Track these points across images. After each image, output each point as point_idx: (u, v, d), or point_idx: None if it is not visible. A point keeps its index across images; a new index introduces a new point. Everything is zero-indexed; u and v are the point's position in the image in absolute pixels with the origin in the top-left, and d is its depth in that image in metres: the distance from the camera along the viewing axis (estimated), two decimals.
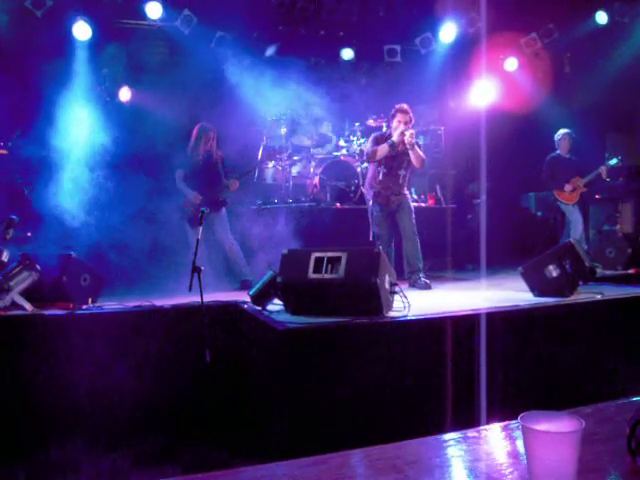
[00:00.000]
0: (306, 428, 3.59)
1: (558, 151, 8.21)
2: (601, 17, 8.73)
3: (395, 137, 6.17)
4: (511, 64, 9.62)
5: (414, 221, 6.33)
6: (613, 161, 7.90)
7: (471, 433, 1.52)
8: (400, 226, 6.36)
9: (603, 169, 7.89)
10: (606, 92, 8.26)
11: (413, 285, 6.16)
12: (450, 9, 8.60)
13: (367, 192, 6.64)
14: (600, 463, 1.29)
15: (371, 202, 6.47)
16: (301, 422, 3.63)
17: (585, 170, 8.01)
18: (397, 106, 6.31)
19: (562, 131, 8.18)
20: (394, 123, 6.28)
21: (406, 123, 6.22)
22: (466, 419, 3.60)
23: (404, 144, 6.21)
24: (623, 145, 9.15)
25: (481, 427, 1.56)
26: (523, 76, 9.51)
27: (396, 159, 6.32)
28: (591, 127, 8.48)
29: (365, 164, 8.38)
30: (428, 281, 6.16)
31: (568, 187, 7.97)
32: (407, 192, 6.49)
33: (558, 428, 1.10)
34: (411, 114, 6.31)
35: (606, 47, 8.65)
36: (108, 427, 4.32)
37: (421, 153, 6.23)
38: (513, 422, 1.33)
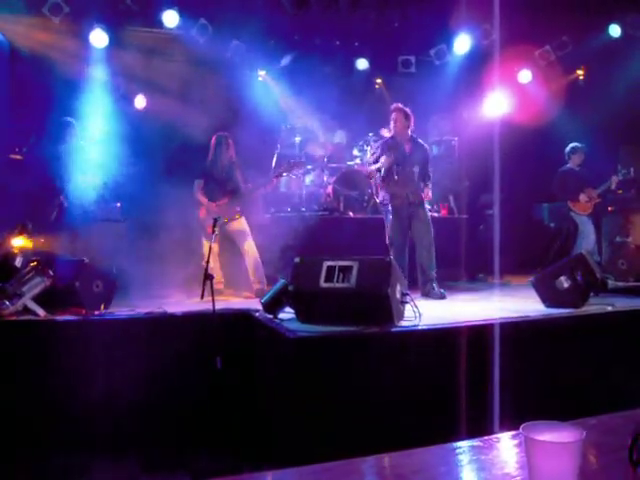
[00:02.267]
0: (316, 436, 3.60)
1: (569, 164, 8.21)
2: (614, 30, 8.71)
3: (386, 133, 6.65)
4: (525, 76, 9.60)
5: (432, 230, 6.39)
6: (622, 173, 7.95)
7: (477, 442, 1.53)
8: (416, 235, 6.40)
9: (614, 179, 7.92)
10: (620, 104, 8.24)
11: (427, 294, 6.17)
12: (464, 21, 8.61)
13: (383, 196, 6.62)
14: (603, 474, 1.30)
15: (389, 207, 6.47)
16: (311, 430, 3.64)
17: (596, 182, 8.03)
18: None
19: (574, 145, 8.19)
20: (391, 124, 6.55)
21: (396, 121, 6.43)
22: (478, 429, 3.59)
23: (408, 143, 6.44)
24: (636, 157, 9.11)
25: (486, 436, 1.57)
26: (537, 88, 9.50)
27: (407, 157, 6.42)
28: (604, 139, 8.45)
29: (379, 173, 8.40)
30: (443, 290, 6.21)
31: (583, 197, 7.97)
32: (424, 199, 6.50)
33: (559, 438, 1.12)
34: (406, 110, 6.46)
35: (620, 60, 8.63)
36: (118, 433, 4.34)
37: None
38: (518, 432, 1.34)
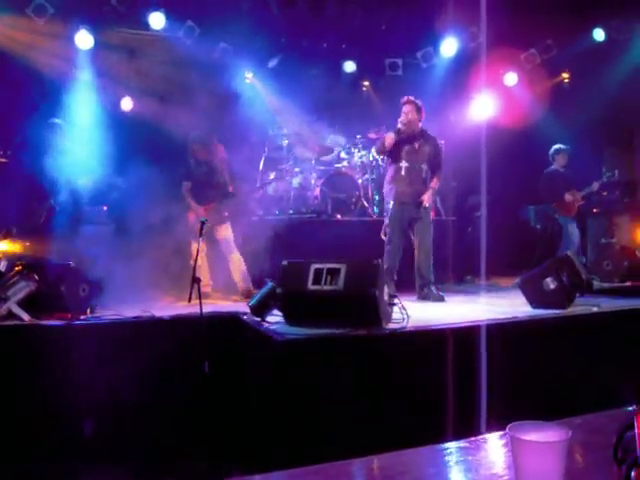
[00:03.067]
0: (305, 438, 3.60)
1: (554, 166, 8.28)
2: (599, 34, 8.81)
3: (399, 125, 6.25)
4: (511, 79, 9.68)
5: (432, 233, 6.32)
6: (606, 175, 8.06)
7: (464, 443, 1.54)
8: (417, 238, 6.28)
9: (595, 185, 8.02)
10: (604, 107, 8.32)
11: (425, 297, 6.13)
12: (451, 24, 8.66)
13: (387, 193, 6.47)
14: (588, 473, 1.31)
15: (391, 203, 6.31)
16: (300, 432, 3.64)
17: (580, 183, 8.12)
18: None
19: (558, 146, 8.26)
20: (402, 117, 6.33)
21: (406, 114, 6.27)
22: (466, 429, 3.61)
23: (419, 137, 6.31)
24: (620, 159, 9.21)
25: (474, 437, 1.58)
26: (522, 91, 9.57)
27: (417, 152, 6.30)
28: (589, 141, 8.54)
29: (367, 175, 8.43)
30: (442, 293, 6.16)
31: (568, 197, 8.04)
32: (430, 199, 6.34)
33: (545, 438, 1.13)
34: (417, 103, 6.34)
35: (604, 63, 8.72)
36: (106, 438, 4.31)
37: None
38: (504, 432, 1.35)
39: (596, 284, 6.29)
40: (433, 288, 6.17)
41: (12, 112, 7.17)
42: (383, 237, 6.33)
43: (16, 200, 6.51)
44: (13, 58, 7.44)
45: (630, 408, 1.54)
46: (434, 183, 6.41)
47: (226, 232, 6.73)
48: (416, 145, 6.31)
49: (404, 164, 6.25)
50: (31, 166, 6.46)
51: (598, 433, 1.52)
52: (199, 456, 4.33)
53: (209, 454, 4.32)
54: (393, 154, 6.36)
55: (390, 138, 6.21)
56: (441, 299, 6.04)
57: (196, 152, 6.80)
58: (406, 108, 6.31)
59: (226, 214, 6.73)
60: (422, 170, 6.30)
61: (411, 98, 6.37)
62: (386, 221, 6.36)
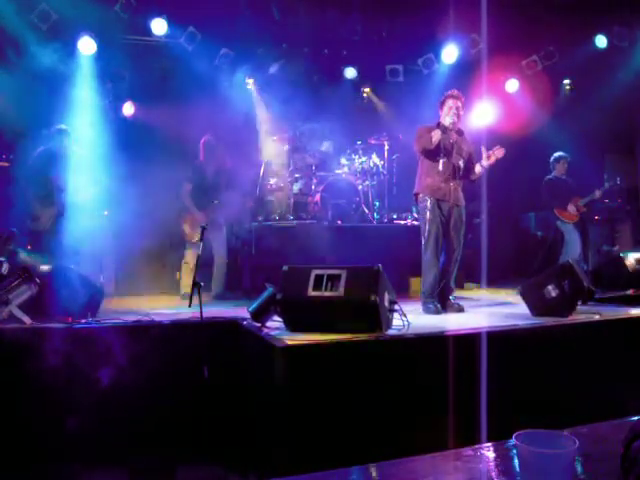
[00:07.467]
0: (305, 445, 3.58)
1: (554, 173, 8.28)
2: (601, 41, 8.84)
3: (447, 122, 5.74)
4: (512, 85, 9.69)
5: (462, 241, 5.87)
6: (607, 184, 8.06)
7: (467, 451, 1.52)
8: (450, 243, 5.76)
9: (598, 192, 8.01)
10: (606, 114, 8.33)
11: (444, 308, 5.67)
12: (452, 30, 8.67)
13: (421, 189, 5.85)
14: None
15: (428, 201, 5.71)
16: (300, 439, 3.62)
17: (581, 191, 8.11)
18: (448, 92, 5.87)
19: (558, 154, 8.26)
20: (445, 109, 5.82)
21: (458, 109, 5.77)
22: (466, 437, 3.59)
23: (457, 133, 5.84)
24: (622, 166, 9.22)
25: (477, 445, 1.56)
26: (524, 97, 9.58)
27: (456, 147, 5.78)
28: (590, 149, 8.54)
29: (367, 181, 8.42)
30: (462, 304, 5.75)
31: (571, 207, 8.03)
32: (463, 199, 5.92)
33: (552, 447, 1.11)
34: (462, 99, 5.83)
35: (606, 70, 8.74)
36: (105, 442, 4.30)
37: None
38: (509, 441, 1.33)
39: (598, 292, 6.27)
40: (454, 299, 5.79)
41: (16, 117, 7.18)
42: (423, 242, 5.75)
43: (20, 204, 6.52)
44: (16, 63, 7.46)
45: (637, 417, 1.53)
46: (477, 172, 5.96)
47: (219, 237, 6.80)
48: (453, 141, 5.79)
49: (442, 159, 5.71)
50: (35, 171, 6.47)
51: (604, 442, 1.50)
52: (197, 462, 4.31)
53: (208, 459, 4.31)
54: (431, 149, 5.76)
55: (437, 135, 5.63)
56: (461, 310, 5.63)
57: (213, 155, 6.90)
58: (458, 103, 5.77)
59: (221, 220, 6.77)
60: (459, 167, 5.82)
61: (457, 92, 5.85)
62: (422, 222, 5.80)
